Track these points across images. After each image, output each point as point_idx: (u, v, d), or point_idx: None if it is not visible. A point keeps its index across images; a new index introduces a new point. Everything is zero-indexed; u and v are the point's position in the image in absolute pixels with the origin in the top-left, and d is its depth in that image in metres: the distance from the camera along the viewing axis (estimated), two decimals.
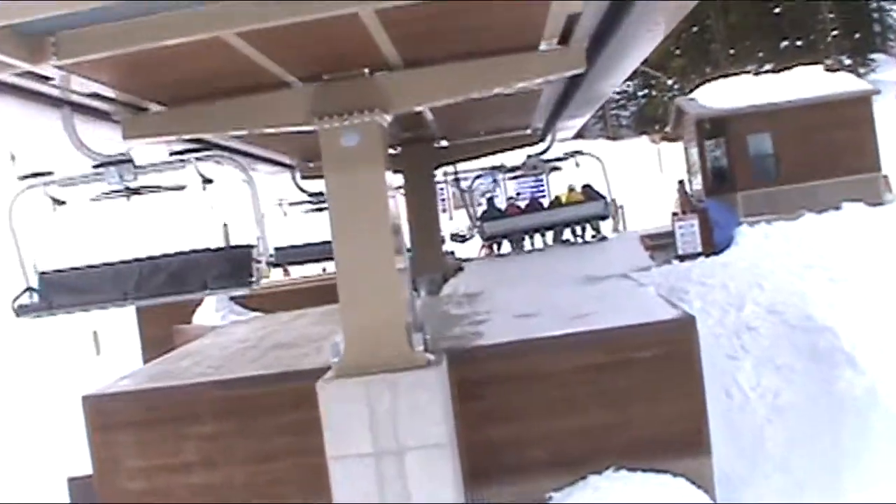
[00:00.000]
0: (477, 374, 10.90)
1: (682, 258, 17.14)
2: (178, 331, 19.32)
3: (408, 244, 14.57)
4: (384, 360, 9.56)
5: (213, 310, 18.82)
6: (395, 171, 20.06)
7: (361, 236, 9.74)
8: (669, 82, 58.28)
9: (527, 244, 23.70)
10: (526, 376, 10.97)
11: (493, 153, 20.88)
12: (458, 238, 24.04)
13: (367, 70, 9.64)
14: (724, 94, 21.17)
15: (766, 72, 33.14)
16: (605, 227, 24.30)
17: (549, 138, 21.21)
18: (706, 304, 14.63)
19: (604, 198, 23.76)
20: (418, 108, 11.76)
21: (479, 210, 24.63)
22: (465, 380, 10.60)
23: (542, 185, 48.62)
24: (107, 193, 10.33)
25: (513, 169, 23.86)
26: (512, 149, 21.15)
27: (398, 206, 11.13)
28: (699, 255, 17.06)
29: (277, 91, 9.93)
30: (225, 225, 36.69)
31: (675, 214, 17.89)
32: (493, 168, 24.66)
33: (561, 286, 15.76)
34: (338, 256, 9.90)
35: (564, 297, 14.27)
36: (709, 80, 24.86)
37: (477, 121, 18.09)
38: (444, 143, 19.87)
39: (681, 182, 19.89)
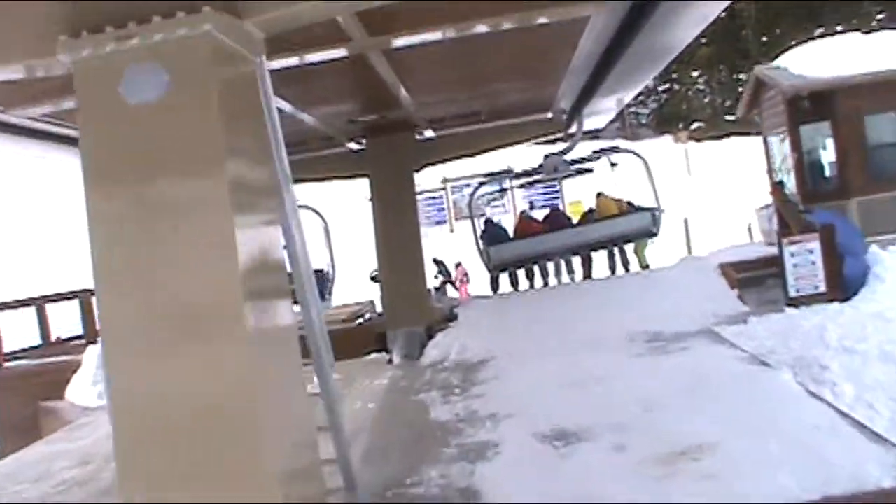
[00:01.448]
0: None
1: (795, 303, 11.03)
2: (44, 409, 13.46)
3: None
4: None
5: (89, 383, 12.79)
6: (357, 175, 14.19)
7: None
8: (694, 74, 52.25)
9: (540, 274, 17.62)
10: None
11: (499, 148, 14.75)
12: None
13: None
14: (824, 59, 14.99)
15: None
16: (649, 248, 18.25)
17: (574, 127, 15.11)
18: (876, 400, 8.47)
19: (650, 209, 17.55)
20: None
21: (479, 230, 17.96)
22: None
23: (557, 194, 42.69)
24: None
25: (526, 173, 17.68)
26: (524, 142, 15.05)
27: (296, 234, 5.16)
28: (820, 297, 11.00)
29: None
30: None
31: (780, 235, 11.58)
32: (500, 173, 18.43)
33: (614, 356, 9.72)
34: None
35: (626, 385, 8.26)
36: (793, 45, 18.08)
37: (477, 94, 12.10)
38: (429, 132, 13.82)
39: (779, 184, 13.51)
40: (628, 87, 12.79)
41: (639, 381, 8.44)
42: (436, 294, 14.27)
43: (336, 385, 5.53)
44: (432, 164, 14.26)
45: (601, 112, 15.04)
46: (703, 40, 50.83)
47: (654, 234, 17.51)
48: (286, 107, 10.27)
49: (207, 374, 3.81)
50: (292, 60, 7.42)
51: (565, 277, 17.92)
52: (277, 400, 4.13)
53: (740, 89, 53.26)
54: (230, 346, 3.80)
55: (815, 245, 11.27)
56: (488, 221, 18.27)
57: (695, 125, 51.03)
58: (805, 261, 11.28)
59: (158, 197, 3.89)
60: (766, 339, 9.93)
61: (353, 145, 13.97)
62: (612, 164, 18.67)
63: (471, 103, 12.67)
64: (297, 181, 14.20)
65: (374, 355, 12.43)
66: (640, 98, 58.11)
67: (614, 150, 19.13)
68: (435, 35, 7.52)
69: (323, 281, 15.44)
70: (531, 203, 26.57)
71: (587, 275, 18.51)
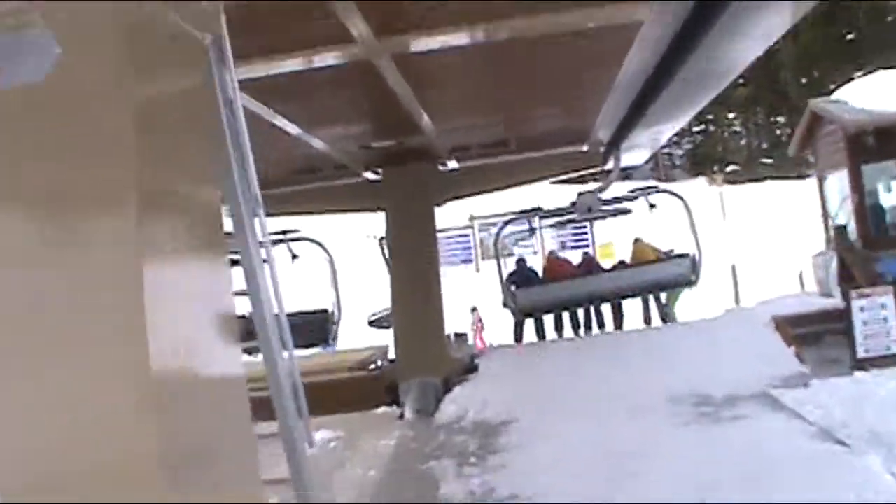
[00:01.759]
0: None
1: (864, 365, 9.59)
2: None
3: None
4: None
5: None
6: (371, 208, 12.98)
7: None
8: (730, 116, 50.91)
9: (570, 322, 16.24)
10: None
11: (528, 182, 13.47)
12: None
13: None
14: (890, 92, 13.52)
15: None
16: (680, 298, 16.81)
17: (610, 163, 13.80)
18: None
19: (689, 255, 16.10)
20: None
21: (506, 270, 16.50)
22: None
23: (586, 236, 41.28)
24: None
25: (557, 212, 16.32)
26: (556, 177, 13.79)
27: (259, 273, 3.88)
28: (894, 360, 9.56)
29: None
30: None
31: (845, 287, 10.06)
32: (529, 211, 17.01)
33: (656, 423, 8.42)
34: None
35: (672, 462, 6.97)
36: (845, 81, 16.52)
37: (505, 119, 10.88)
38: (452, 163, 12.59)
39: (842, 229, 12.00)
40: (676, 116, 11.54)
41: (688, 458, 7.11)
42: (455, 341, 12.93)
43: (309, 462, 4.21)
44: (456, 198, 13.01)
45: (640, 147, 13.79)
46: (741, 80, 49.46)
47: (693, 283, 16.08)
48: (292, 128, 9.10)
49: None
50: (286, 65, 6.21)
51: (594, 329, 16.57)
52: None
53: (777, 132, 52.24)
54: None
55: (888, 299, 9.88)
56: (521, 261, 17.16)
57: (730, 168, 49.59)
58: (876, 317, 9.89)
59: (48, 230, 2.64)
60: (835, 409, 8.53)
61: (369, 175, 12.77)
62: (651, 206, 17.24)
63: (498, 130, 11.45)
64: (305, 213, 12.76)
65: (383, 409, 11.13)
66: (674, 138, 56.75)
67: (653, 189, 17.77)
68: (454, 38, 6.29)
69: (326, 323, 14.44)
70: (562, 243, 25.03)
71: (618, 326, 17.22)
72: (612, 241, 41.67)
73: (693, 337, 11.89)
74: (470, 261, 41.99)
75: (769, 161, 49.41)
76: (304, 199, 13.12)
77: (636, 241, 18.78)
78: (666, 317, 17.42)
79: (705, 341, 11.44)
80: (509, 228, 18.27)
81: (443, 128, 10.21)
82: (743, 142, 53.08)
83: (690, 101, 10.75)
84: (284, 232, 13.60)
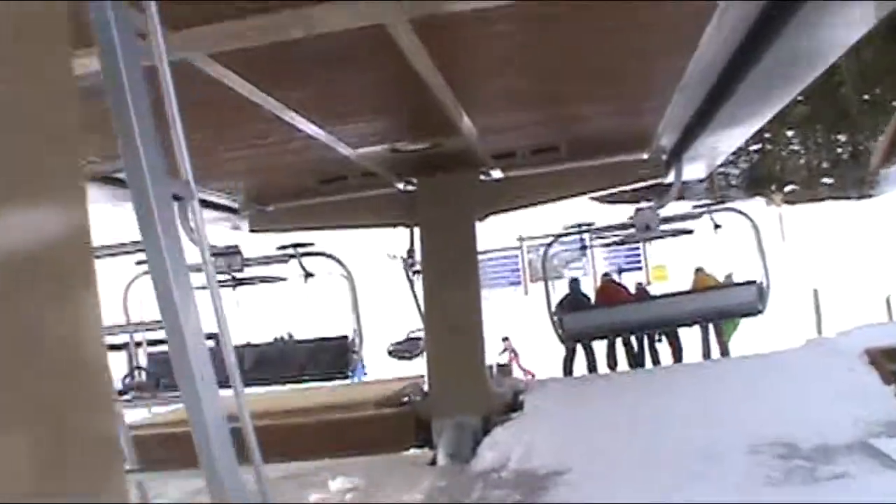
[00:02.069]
0: None
1: None
2: None
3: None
4: None
5: None
6: (403, 222, 11.71)
7: None
8: (789, 134, 49.03)
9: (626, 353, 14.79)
10: None
11: (580, 194, 12.04)
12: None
13: None
14: None
15: None
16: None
17: (671, 175, 12.35)
18: None
19: (753, 282, 14.47)
20: None
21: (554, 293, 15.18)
22: None
23: (639, 257, 39.60)
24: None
25: (610, 230, 14.86)
26: (611, 189, 12.32)
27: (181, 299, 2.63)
28: None
29: None
30: None
31: None
32: (580, 228, 15.42)
33: (736, 481, 6.94)
34: None
35: None
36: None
37: (554, 118, 9.47)
38: (495, 173, 11.22)
39: None
40: (748, 118, 10.04)
41: None
42: (497, 374, 11.44)
43: None
44: (499, 211, 11.55)
45: (703, 157, 12.27)
46: (799, 97, 47.64)
47: (760, 312, 14.48)
48: (306, 126, 7.80)
49: None
50: (273, 31, 4.90)
51: (648, 363, 15.12)
52: None
53: (838, 150, 50.30)
54: None
55: None
56: (574, 282, 15.97)
57: (789, 187, 47.75)
58: None
59: None
60: None
61: (401, 186, 11.47)
62: (716, 227, 15.62)
63: (547, 133, 10.05)
64: (330, 227, 11.39)
65: (413, 451, 9.76)
66: (730, 157, 54.59)
67: (719, 207, 16.19)
68: (489, 3, 4.96)
69: (346, 352, 12.24)
70: (619, 268, 23.43)
71: (677, 359, 15.96)
72: (665, 264, 40.22)
73: (771, 372, 10.33)
74: (518, 283, 40.62)
75: (829, 181, 47.61)
76: (330, 213, 11.85)
77: (698, 270, 17.38)
78: (726, 350, 15.99)
79: (786, 377, 9.88)
80: (558, 247, 16.84)
81: (484, 127, 8.86)
82: (802, 161, 51.11)
83: (766, 98, 9.28)
84: (296, 246, 12.01)
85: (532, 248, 37.97)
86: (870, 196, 45.88)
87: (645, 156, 11.42)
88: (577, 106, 8.86)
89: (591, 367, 14.54)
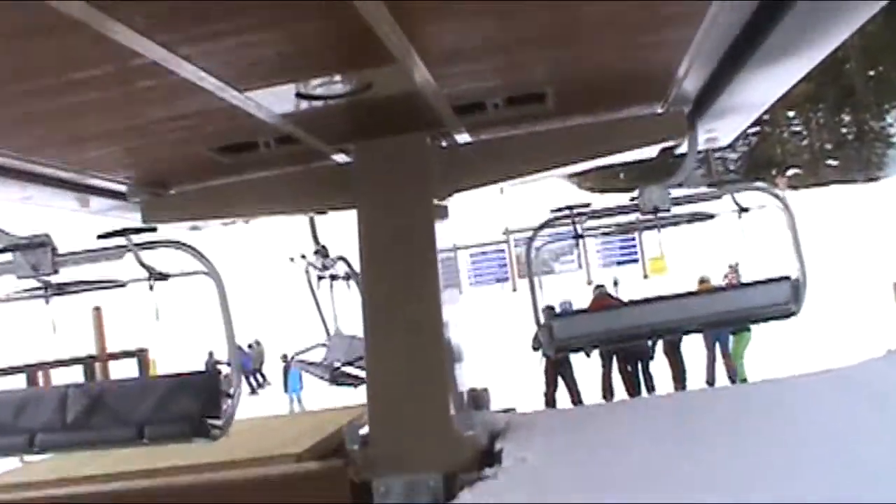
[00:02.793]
0: None
1: None
2: None
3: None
4: None
5: None
6: (338, 205, 8.96)
7: None
8: (790, 114, 46.20)
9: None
10: None
11: (572, 163, 9.16)
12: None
13: None
14: None
15: None
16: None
17: (687, 141, 9.49)
18: None
19: (786, 278, 11.48)
20: None
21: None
22: None
23: (634, 249, 36.72)
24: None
25: (609, 212, 11.81)
26: (617, 153, 9.34)
27: None
28: None
29: None
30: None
31: None
32: (572, 211, 12.20)
33: None
34: None
35: None
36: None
37: (540, 56, 6.62)
38: (462, 136, 8.36)
39: None
40: (809, 44, 7.19)
41: None
42: (462, 411, 8.22)
43: None
44: (466, 187, 8.65)
45: (738, 110, 9.37)
46: None
47: (794, 314, 11.48)
48: (170, 59, 5.05)
49: None
50: None
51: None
52: None
53: (843, 130, 47.59)
54: None
55: None
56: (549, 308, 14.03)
57: (791, 171, 45.15)
58: None
59: None
60: None
61: (339, 158, 8.65)
62: (742, 210, 12.48)
63: (528, 75, 7.17)
64: (246, 214, 8.76)
65: None
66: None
67: (742, 185, 13.16)
68: None
69: (213, 395, 6.51)
70: (615, 281, 20.97)
71: (678, 383, 15.08)
72: (663, 255, 37.54)
73: (834, 399, 7.48)
74: (506, 279, 37.91)
75: (834, 163, 44.93)
76: (245, 196, 9.05)
77: (702, 281, 15.24)
78: (734, 374, 13.94)
79: (860, 409, 7.04)
80: (546, 238, 13.88)
81: (436, 59, 6.03)
82: (804, 143, 48.39)
83: (826, 23, 6.49)
84: (127, 232, 7.23)
85: (520, 242, 35.41)
86: (877, 179, 43.31)
87: (659, 109, 8.55)
88: (568, 34, 6.04)
89: (573, 392, 12.16)
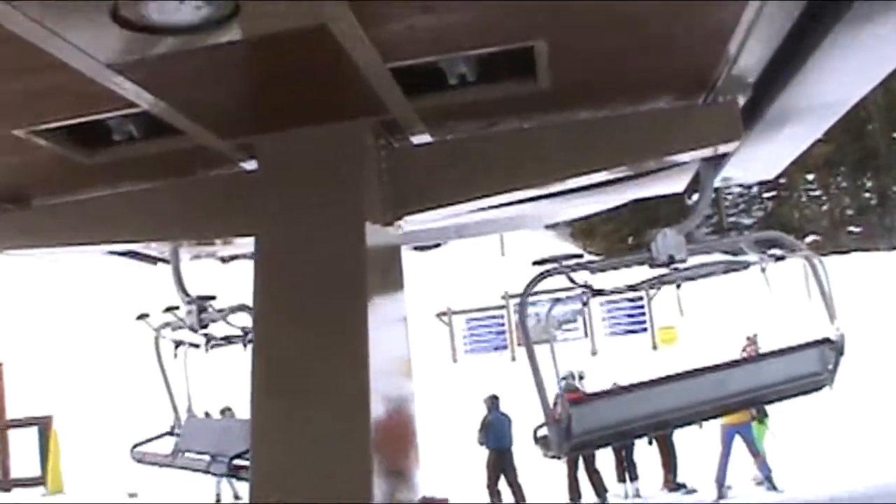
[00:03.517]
0: None
1: None
2: None
3: None
4: None
5: None
6: (236, 231, 6.28)
7: None
8: (808, 177, 44.03)
9: None
10: None
11: (575, 176, 6.40)
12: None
13: None
14: None
15: None
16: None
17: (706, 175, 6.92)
18: None
19: (828, 341, 8.76)
20: None
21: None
22: None
23: (643, 317, 34.04)
24: None
25: (614, 265, 9.06)
26: (632, 165, 6.66)
27: None
28: None
29: None
30: None
31: None
32: (573, 261, 9.32)
33: None
34: None
35: None
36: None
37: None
38: (420, 136, 5.77)
39: None
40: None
41: None
42: None
43: None
44: (422, 208, 5.98)
45: (807, 113, 6.71)
46: (820, 137, 42.62)
47: (828, 384, 8.79)
48: None
49: None
50: None
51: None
52: None
53: (866, 195, 45.23)
54: None
55: None
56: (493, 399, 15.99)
57: (809, 238, 42.90)
58: None
59: None
60: None
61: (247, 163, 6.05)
62: (762, 270, 9.83)
63: (511, 18, 4.54)
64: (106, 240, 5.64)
65: None
66: (742, 206, 49.72)
67: (768, 239, 10.52)
68: None
69: None
70: (580, 375, 18.28)
71: (669, 472, 15.54)
72: (674, 325, 34.73)
73: None
74: (504, 347, 35.16)
75: (855, 230, 42.59)
76: (123, 214, 6.50)
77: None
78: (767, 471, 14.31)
79: None
80: (541, 287, 11.10)
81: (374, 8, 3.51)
82: (824, 208, 46.18)
83: None
84: None
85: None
86: None
87: (701, 99, 5.93)
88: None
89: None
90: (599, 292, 8.20)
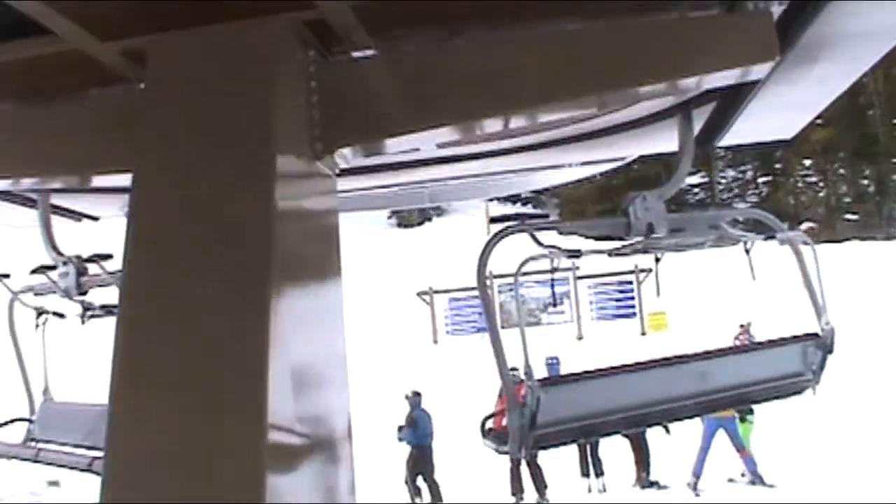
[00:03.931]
0: None
1: None
2: None
3: None
4: None
5: None
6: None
7: None
8: (805, 163, 43.09)
9: None
10: None
11: (549, 103, 5.08)
12: None
13: None
14: None
15: None
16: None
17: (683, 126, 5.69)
18: None
19: (814, 336, 7.54)
20: None
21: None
22: None
23: (632, 302, 33.11)
24: None
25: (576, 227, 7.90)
26: (626, 89, 5.34)
27: None
28: None
29: None
30: None
31: None
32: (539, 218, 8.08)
33: None
34: None
35: None
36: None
37: None
38: (365, 49, 4.47)
39: None
40: None
41: None
42: None
43: None
44: (360, 137, 4.67)
45: (857, 40, 5.38)
46: (819, 121, 41.90)
47: (812, 384, 7.64)
48: None
49: None
50: None
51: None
52: None
53: (864, 181, 44.26)
54: None
55: None
56: (416, 396, 16.78)
57: (805, 226, 42.15)
58: None
59: None
60: None
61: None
62: (746, 251, 8.68)
63: None
64: None
65: None
66: (736, 190, 48.72)
67: (751, 211, 9.38)
68: None
69: None
70: (526, 372, 17.51)
71: (642, 469, 15.53)
72: (664, 311, 33.65)
73: None
74: (502, 326, 34.34)
75: (852, 217, 41.68)
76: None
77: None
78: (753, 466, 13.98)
79: None
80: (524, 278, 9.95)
81: None
82: (820, 194, 45.40)
83: None
84: None
85: (504, 288, 31.83)
86: None
87: (723, 8, 4.61)
88: None
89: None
90: (576, 254, 6.92)
